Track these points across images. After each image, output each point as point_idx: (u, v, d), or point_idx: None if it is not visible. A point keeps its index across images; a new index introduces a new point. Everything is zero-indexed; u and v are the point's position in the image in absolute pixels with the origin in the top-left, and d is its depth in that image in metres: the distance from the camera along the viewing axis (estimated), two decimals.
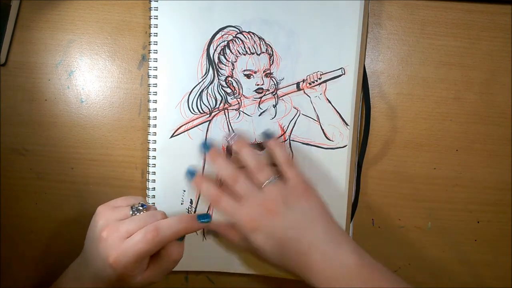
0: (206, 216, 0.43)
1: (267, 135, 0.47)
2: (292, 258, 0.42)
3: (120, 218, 0.42)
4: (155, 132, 0.49)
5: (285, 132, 0.49)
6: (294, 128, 0.49)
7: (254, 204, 0.43)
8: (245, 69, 0.49)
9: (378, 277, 0.40)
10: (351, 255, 0.40)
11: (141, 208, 0.43)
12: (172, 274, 0.51)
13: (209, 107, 0.49)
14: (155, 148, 0.49)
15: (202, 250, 0.50)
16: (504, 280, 0.53)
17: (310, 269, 0.41)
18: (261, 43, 0.48)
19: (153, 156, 0.49)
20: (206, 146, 0.47)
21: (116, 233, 0.40)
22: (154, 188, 0.49)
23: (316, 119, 0.49)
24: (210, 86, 0.49)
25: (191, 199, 0.50)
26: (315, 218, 0.42)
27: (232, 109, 0.49)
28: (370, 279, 0.40)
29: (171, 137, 0.49)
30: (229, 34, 0.48)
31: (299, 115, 0.49)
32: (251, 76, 0.49)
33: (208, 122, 0.49)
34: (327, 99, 0.49)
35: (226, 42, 0.48)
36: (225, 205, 0.44)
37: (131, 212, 0.42)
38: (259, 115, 0.49)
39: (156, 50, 0.48)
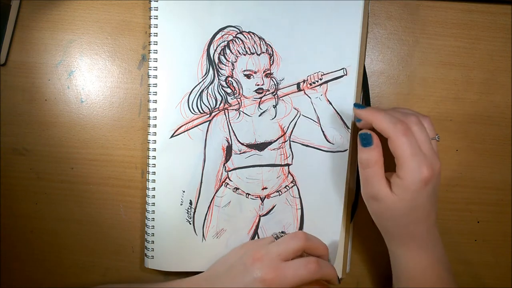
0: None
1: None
2: (418, 219, 0.42)
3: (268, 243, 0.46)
4: (155, 132, 0.49)
5: (285, 133, 0.49)
6: (294, 129, 0.49)
7: (432, 154, 0.41)
8: (245, 69, 0.48)
9: None
10: (437, 265, 0.44)
11: (282, 234, 0.48)
12: (171, 275, 0.51)
13: (209, 107, 0.49)
14: (155, 148, 0.49)
15: (202, 250, 0.50)
16: (504, 280, 0.53)
17: (408, 244, 0.44)
18: (261, 43, 0.48)
19: (153, 156, 0.49)
20: (360, 105, 0.45)
21: (269, 255, 0.44)
22: (154, 188, 0.49)
23: (317, 121, 0.49)
24: (210, 86, 0.49)
25: (190, 200, 0.50)
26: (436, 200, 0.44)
27: (232, 109, 0.49)
28: None
29: (171, 137, 0.49)
30: (229, 34, 0.48)
31: (299, 116, 0.49)
32: (251, 76, 0.49)
33: (208, 122, 0.49)
34: (328, 100, 0.49)
35: (226, 42, 0.48)
36: (410, 140, 0.40)
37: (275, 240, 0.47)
38: (259, 116, 0.49)
39: (156, 50, 0.48)
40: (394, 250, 0.45)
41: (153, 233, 0.50)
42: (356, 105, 0.46)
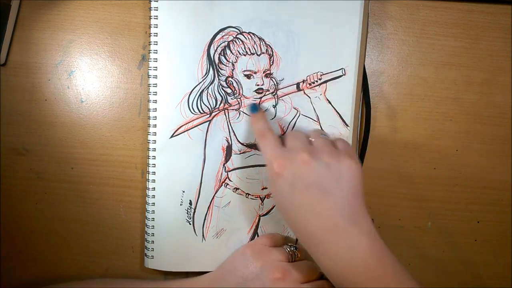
0: None
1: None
2: (302, 216, 0.40)
3: (284, 260, 0.47)
4: (155, 132, 0.49)
5: (285, 133, 0.49)
6: (294, 129, 0.49)
7: (297, 149, 0.42)
8: (245, 69, 0.49)
9: (386, 271, 0.40)
10: (364, 239, 0.40)
11: (295, 250, 0.48)
12: (171, 274, 0.51)
13: (209, 107, 0.49)
14: (155, 148, 0.49)
15: (202, 250, 0.50)
16: (504, 280, 0.53)
17: (314, 232, 0.40)
18: (261, 43, 0.48)
19: (153, 156, 0.49)
20: (255, 108, 0.48)
21: (291, 277, 0.45)
22: (154, 188, 0.49)
23: (316, 120, 0.49)
24: (211, 86, 0.49)
25: (190, 200, 0.50)
26: (348, 186, 0.41)
27: (232, 109, 0.49)
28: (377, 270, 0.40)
29: (171, 137, 0.49)
30: (229, 35, 0.48)
31: (299, 116, 0.49)
32: (251, 77, 0.49)
33: (208, 122, 0.49)
34: (327, 99, 0.49)
35: (226, 43, 0.48)
36: (269, 141, 0.43)
37: (289, 256, 0.47)
38: None
39: (156, 50, 0.48)
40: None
41: (153, 233, 0.50)
42: (251, 108, 0.48)
